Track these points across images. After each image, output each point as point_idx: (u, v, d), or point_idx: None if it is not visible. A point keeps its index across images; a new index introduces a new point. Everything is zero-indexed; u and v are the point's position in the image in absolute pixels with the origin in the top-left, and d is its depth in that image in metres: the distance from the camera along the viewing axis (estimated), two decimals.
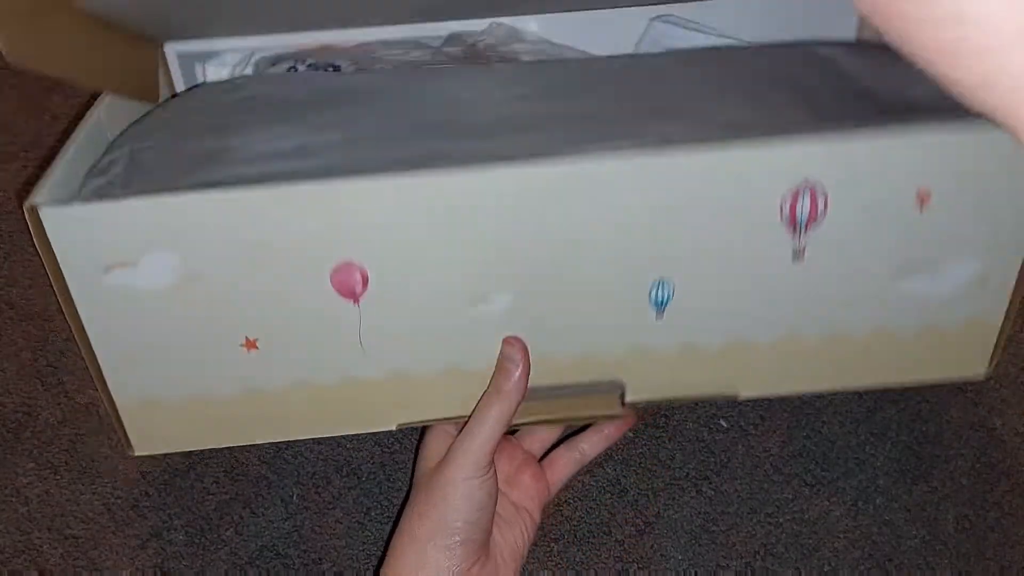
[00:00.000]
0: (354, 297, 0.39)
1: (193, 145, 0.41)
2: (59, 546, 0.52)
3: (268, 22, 0.49)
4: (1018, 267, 0.42)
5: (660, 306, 0.41)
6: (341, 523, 0.52)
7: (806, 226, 0.39)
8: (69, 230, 0.36)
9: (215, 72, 0.51)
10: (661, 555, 0.52)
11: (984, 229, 0.40)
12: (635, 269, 0.40)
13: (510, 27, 0.53)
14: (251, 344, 0.40)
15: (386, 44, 0.53)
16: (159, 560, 0.51)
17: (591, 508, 0.53)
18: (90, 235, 0.36)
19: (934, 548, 0.52)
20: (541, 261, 0.40)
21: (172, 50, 0.50)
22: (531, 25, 0.54)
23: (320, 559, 0.51)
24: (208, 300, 0.38)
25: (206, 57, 0.51)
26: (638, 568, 0.51)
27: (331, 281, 0.38)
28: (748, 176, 0.38)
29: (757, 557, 0.52)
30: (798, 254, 0.40)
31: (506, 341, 0.42)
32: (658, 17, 0.55)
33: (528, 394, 0.43)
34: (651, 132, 0.40)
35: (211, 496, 0.53)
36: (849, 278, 0.41)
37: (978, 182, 0.38)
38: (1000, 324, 0.44)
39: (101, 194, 0.37)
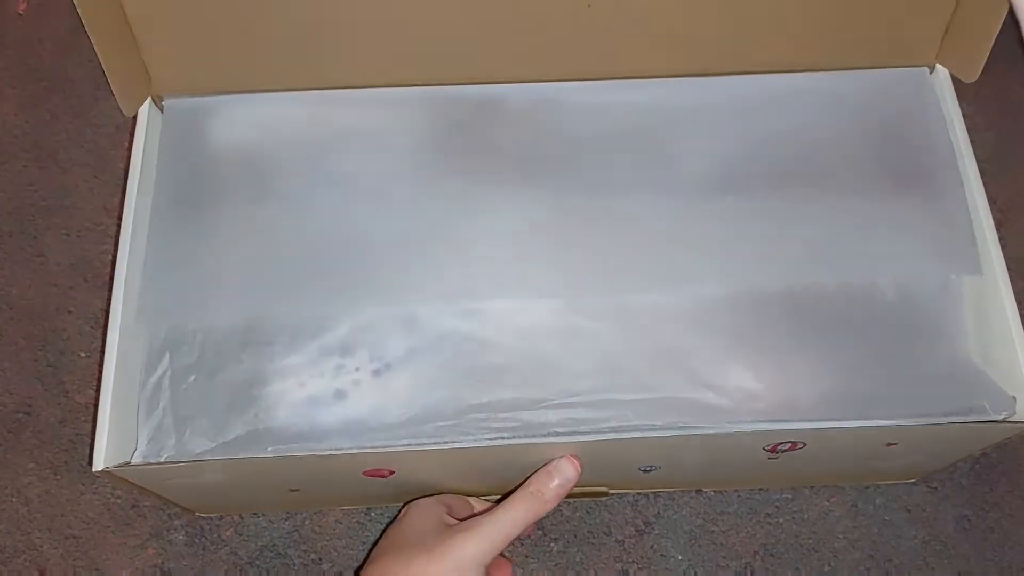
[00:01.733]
0: (382, 477, 0.44)
1: (230, 374, 0.43)
2: (59, 546, 0.52)
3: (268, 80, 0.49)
4: (960, 455, 0.50)
5: (647, 472, 0.47)
6: (341, 523, 0.52)
7: (784, 452, 0.44)
8: (134, 471, 0.41)
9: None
10: (661, 555, 0.52)
11: (937, 457, 0.48)
12: (629, 463, 0.46)
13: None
14: (294, 490, 0.47)
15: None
16: (159, 560, 0.51)
17: (591, 508, 0.53)
18: (154, 475, 0.42)
19: (934, 548, 0.52)
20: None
21: (169, 103, 0.49)
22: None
23: (320, 559, 0.51)
24: (254, 484, 0.46)
25: (205, 110, 0.49)
26: (638, 568, 0.51)
27: (363, 473, 0.43)
28: (741, 441, 0.42)
29: (757, 557, 0.52)
30: (773, 459, 0.45)
31: (567, 458, 0.42)
32: None
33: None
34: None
35: None
36: (815, 465, 0.48)
37: (937, 434, 0.44)
38: (938, 466, 0.51)
39: (156, 444, 0.42)
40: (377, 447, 0.41)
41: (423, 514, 0.45)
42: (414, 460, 0.42)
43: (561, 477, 0.42)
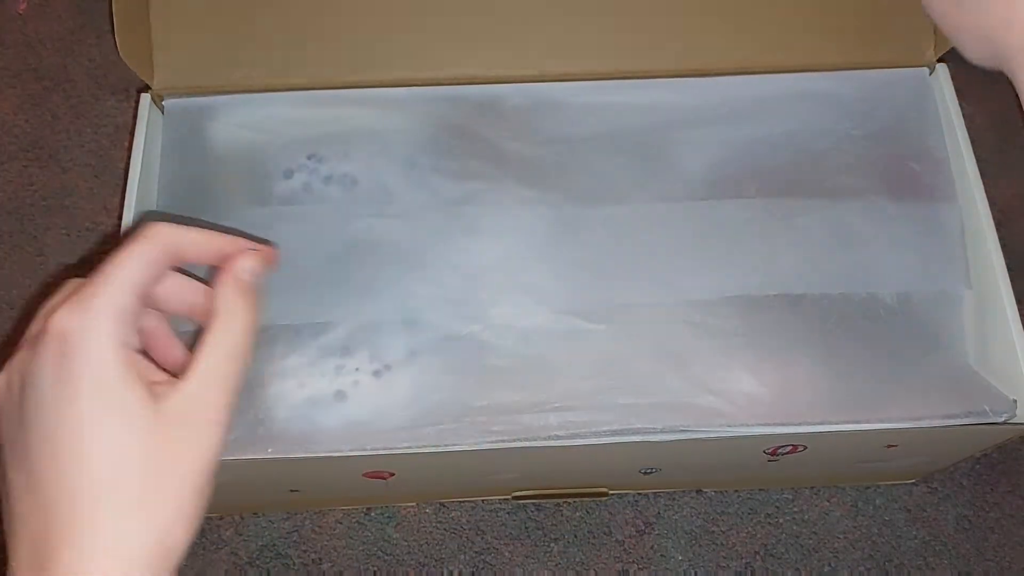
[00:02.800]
0: (382, 479, 0.45)
1: None
2: None
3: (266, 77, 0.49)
4: (959, 457, 0.52)
5: (647, 474, 0.48)
6: (341, 523, 0.52)
7: (784, 455, 0.45)
8: None
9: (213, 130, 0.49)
10: (661, 555, 0.52)
11: (937, 458, 0.49)
12: (630, 465, 0.47)
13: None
14: (294, 490, 0.48)
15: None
16: None
17: (591, 508, 0.53)
18: None
19: (934, 548, 0.52)
20: (544, 468, 0.47)
21: (169, 103, 0.48)
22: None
23: (320, 559, 0.51)
24: (254, 485, 0.46)
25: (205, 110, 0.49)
26: (638, 568, 0.51)
27: (363, 475, 0.44)
28: (741, 444, 0.43)
29: (757, 557, 0.52)
30: (773, 461, 0.46)
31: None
32: None
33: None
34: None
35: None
36: (815, 467, 0.49)
37: (937, 436, 0.44)
38: (938, 467, 0.52)
39: None
40: (377, 450, 0.41)
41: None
42: (414, 463, 0.42)
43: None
